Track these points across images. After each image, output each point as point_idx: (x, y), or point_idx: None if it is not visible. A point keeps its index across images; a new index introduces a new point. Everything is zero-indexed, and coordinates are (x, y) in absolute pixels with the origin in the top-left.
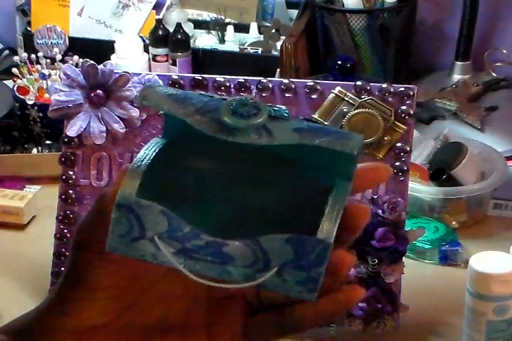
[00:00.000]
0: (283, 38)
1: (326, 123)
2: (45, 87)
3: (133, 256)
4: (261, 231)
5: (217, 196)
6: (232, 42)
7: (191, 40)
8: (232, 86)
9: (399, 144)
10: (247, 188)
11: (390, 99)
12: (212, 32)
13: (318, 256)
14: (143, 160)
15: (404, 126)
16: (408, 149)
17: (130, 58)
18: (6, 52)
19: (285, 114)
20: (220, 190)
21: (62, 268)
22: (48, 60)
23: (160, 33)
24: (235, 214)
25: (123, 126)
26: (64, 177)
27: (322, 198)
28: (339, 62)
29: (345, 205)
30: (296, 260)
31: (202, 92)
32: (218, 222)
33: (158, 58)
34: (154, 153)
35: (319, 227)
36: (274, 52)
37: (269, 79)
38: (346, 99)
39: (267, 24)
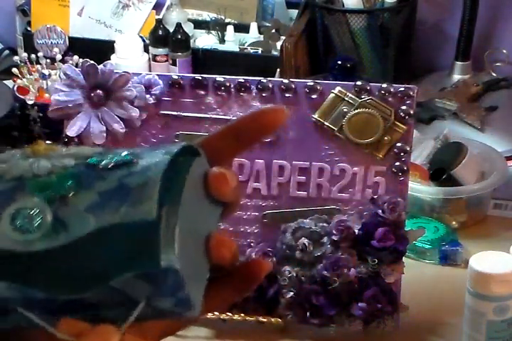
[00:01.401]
0: (283, 37)
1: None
2: (45, 87)
3: (13, 327)
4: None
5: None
6: (232, 42)
7: (191, 40)
8: (232, 86)
9: (399, 144)
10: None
11: (390, 99)
12: (212, 32)
13: (175, 282)
14: None
15: (404, 126)
16: (408, 149)
17: (130, 58)
18: (6, 52)
19: (63, 188)
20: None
21: None
22: (48, 60)
23: (160, 33)
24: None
25: (123, 126)
26: None
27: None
28: (339, 62)
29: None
30: (157, 290)
31: None
32: (65, 280)
33: (158, 58)
34: None
35: (159, 258)
36: (274, 52)
37: (269, 79)
38: (346, 99)
39: (267, 24)
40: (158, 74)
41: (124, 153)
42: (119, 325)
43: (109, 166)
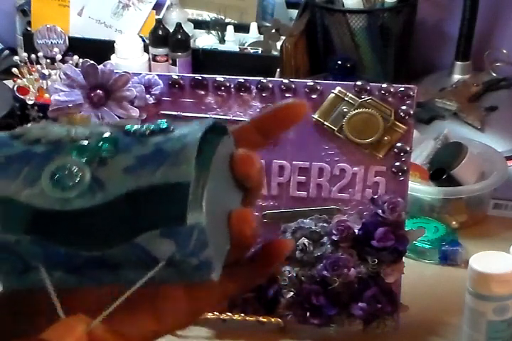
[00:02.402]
0: (283, 38)
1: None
2: (45, 87)
3: (28, 287)
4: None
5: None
6: (232, 42)
7: (191, 40)
8: (232, 86)
9: (399, 144)
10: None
11: (390, 99)
12: (212, 32)
13: (199, 241)
14: None
15: (404, 126)
16: (408, 149)
17: (130, 58)
18: (6, 52)
19: (104, 152)
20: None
21: None
22: (48, 60)
23: (160, 33)
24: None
25: None
26: None
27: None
28: (339, 62)
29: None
30: (180, 250)
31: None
32: (91, 237)
33: (158, 58)
34: None
35: (187, 215)
36: (274, 52)
37: (269, 79)
38: (346, 99)
39: (267, 24)
40: (158, 74)
41: (161, 122)
42: (130, 286)
43: (147, 133)
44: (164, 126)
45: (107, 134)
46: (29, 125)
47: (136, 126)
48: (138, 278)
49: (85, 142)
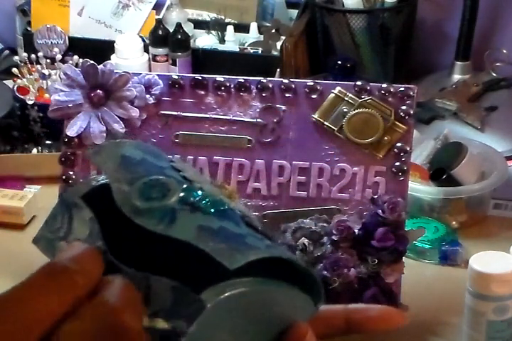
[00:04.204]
0: (283, 38)
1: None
2: (45, 87)
3: (47, 255)
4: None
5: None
6: (232, 42)
7: (191, 40)
8: (232, 86)
9: (399, 144)
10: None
11: (390, 99)
12: (212, 32)
13: (192, 315)
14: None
15: (404, 126)
16: (408, 149)
17: (130, 58)
18: (6, 52)
19: (203, 205)
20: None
21: None
22: (48, 60)
23: (160, 33)
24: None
25: (123, 126)
26: (64, 177)
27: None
28: (339, 62)
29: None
30: (170, 310)
31: (166, 158)
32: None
33: (158, 58)
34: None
35: (206, 289)
36: (274, 52)
37: (269, 79)
38: (346, 99)
39: (267, 24)
40: (158, 74)
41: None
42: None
43: (253, 225)
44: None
45: (217, 198)
46: (191, 172)
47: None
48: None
49: (206, 194)
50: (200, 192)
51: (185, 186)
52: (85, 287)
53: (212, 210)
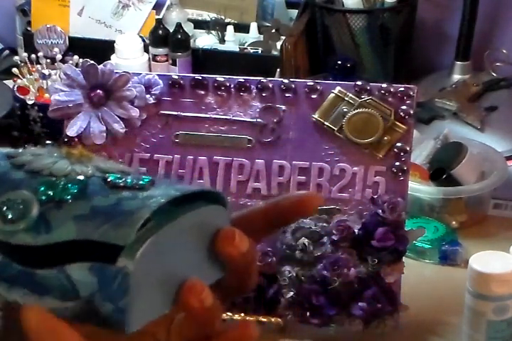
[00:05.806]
0: (283, 38)
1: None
2: (45, 87)
3: None
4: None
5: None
6: (232, 42)
7: (191, 40)
8: (232, 86)
9: (399, 144)
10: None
11: (390, 99)
12: (212, 32)
13: (120, 286)
14: None
15: (404, 126)
16: (408, 149)
17: (130, 58)
18: (6, 52)
19: (60, 195)
20: None
21: None
22: (48, 60)
23: (160, 33)
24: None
25: (123, 126)
26: None
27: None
28: (339, 62)
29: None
30: (101, 290)
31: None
32: (31, 251)
33: (158, 58)
34: None
35: (118, 258)
36: (274, 52)
37: (269, 79)
38: (346, 99)
39: (267, 24)
40: (158, 74)
41: (144, 177)
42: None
43: (119, 185)
44: (142, 183)
45: (81, 177)
46: (31, 148)
47: (117, 176)
48: (53, 304)
49: (58, 180)
50: (47, 184)
51: (37, 187)
52: None
53: (69, 197)
